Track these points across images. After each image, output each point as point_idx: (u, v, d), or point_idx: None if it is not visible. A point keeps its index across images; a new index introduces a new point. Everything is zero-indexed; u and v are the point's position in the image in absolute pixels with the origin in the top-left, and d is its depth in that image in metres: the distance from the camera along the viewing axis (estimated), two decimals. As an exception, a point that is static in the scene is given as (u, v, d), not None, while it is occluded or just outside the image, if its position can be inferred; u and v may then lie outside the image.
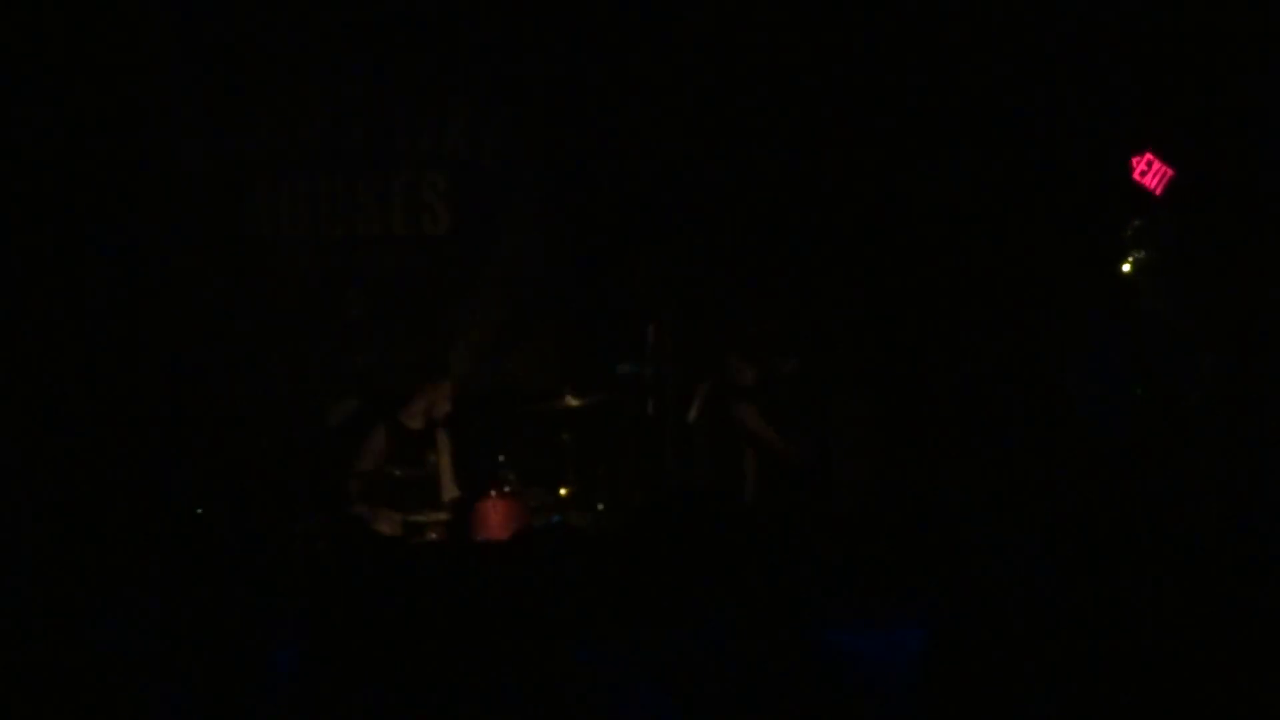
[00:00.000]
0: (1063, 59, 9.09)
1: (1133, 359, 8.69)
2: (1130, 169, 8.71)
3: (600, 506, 8.79)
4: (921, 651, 4.60)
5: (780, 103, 9.46)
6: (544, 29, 9.67)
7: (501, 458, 8.75)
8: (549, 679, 4.49)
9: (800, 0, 9.40)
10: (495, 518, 8.41)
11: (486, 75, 9.80)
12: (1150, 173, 8.67)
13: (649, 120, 9.50)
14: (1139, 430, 8.44)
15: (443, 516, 8.58)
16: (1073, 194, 8.93)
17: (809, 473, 8.75)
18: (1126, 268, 8.83)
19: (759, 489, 8.42)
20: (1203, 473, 8.28)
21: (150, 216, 9.69)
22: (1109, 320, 8.80)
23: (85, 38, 9.47)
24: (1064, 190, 8.93)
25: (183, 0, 9.68)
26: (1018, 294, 9.05)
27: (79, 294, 9.42)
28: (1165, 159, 8.65)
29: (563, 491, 8.73)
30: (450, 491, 8.81)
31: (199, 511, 8.24)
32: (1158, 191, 8.67)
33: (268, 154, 9.78)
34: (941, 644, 4.45)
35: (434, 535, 8.48)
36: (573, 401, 8.82)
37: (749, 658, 4.28)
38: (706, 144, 9.47)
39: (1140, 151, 8.74)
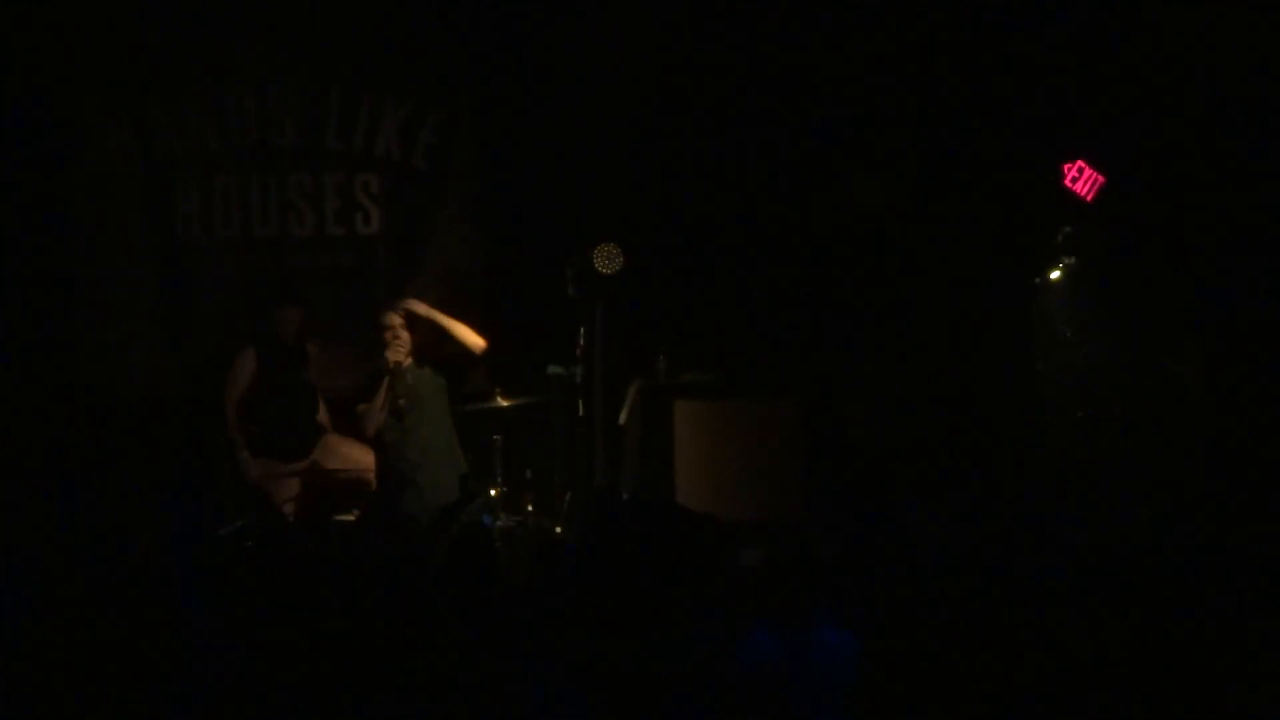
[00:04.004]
0: (997, 63, 9.13)
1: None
2: (1061, 175, 8.73)
3: (530, 507, 8.78)
4: (857, 652, 4.61)
5: (709, 105, 9.49)
6: (475, 29, 9.66)
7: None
8: (476, 678, 4.48)
9: (726, 5, 9.44)
10: (344, 449, 8.69)
11: (418, 76, 9.78)
12: (1081, 179, 8.68)
13: (580, 122, 9.51)
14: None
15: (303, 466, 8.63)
16: (1002, 201, 8.96)
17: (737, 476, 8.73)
18: (1055, 275, 8.86)
19: (687, 490, 8.40)
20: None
21: (82, 216, 9.64)
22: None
23: (14, 36, 9.41)
24: (993, 197, 8.96)
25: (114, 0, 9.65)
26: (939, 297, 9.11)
27: (6, 292, 9.36)
28: (1097, 166, 8.68)
29: (493, 492, 8.72)
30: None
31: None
32: (1089, 198, 8.69)
33: (200, 154, 9.73)
34: (876, 645, 4.47)
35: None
36: (503, 402, 8.82)
37: (678, 658, 4.28)
38: (638, 146, 9.48)
39: (1072, 158, 8.76)
